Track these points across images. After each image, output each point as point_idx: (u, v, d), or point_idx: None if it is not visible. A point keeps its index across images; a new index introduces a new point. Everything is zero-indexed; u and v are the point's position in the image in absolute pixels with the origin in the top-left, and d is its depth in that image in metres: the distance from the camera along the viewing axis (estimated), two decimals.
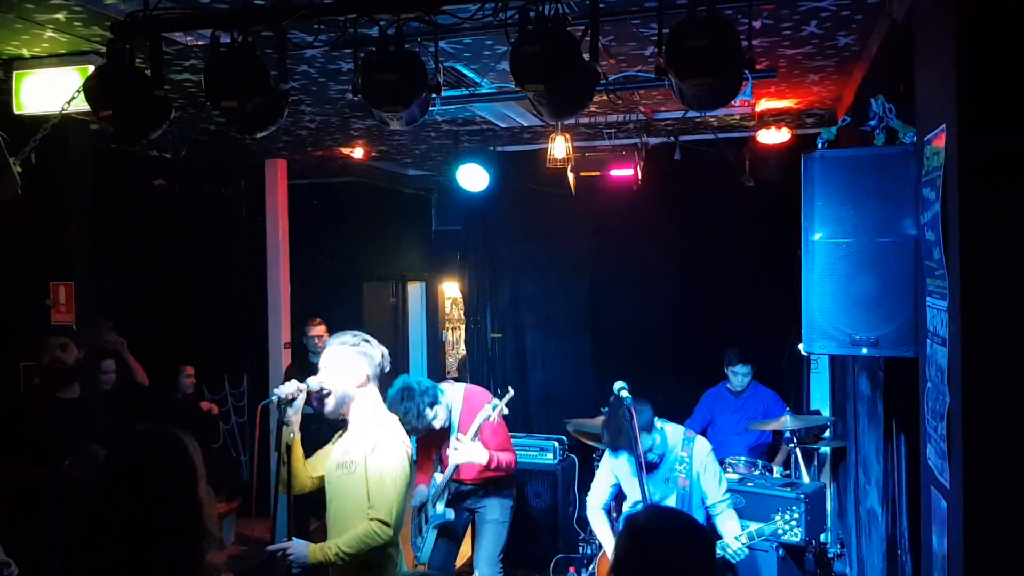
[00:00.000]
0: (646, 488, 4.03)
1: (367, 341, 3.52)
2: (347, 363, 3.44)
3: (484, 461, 4.76)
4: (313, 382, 3.44)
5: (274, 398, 3.32)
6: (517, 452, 5.22)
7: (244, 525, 6.95)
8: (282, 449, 3.37)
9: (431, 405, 4.70)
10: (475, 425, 4.79)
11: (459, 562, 5.50)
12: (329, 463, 3.53)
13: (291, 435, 3.41)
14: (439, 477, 5.01)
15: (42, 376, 4.73)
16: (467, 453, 4.74)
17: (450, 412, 4.90)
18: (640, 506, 4.23)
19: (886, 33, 3.78)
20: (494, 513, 5.08)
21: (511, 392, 4.93)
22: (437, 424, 4.78)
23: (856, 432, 5.38)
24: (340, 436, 3.57)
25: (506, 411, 4.87)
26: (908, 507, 3.80)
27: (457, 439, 4.82)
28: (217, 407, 7.44)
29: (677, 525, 2.06)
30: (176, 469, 2.26)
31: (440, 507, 4.98)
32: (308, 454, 3.67)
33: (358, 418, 3.49)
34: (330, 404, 3.43)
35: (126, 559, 2.14)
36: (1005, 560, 2.30)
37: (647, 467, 4.18)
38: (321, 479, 3.61)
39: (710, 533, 2.09)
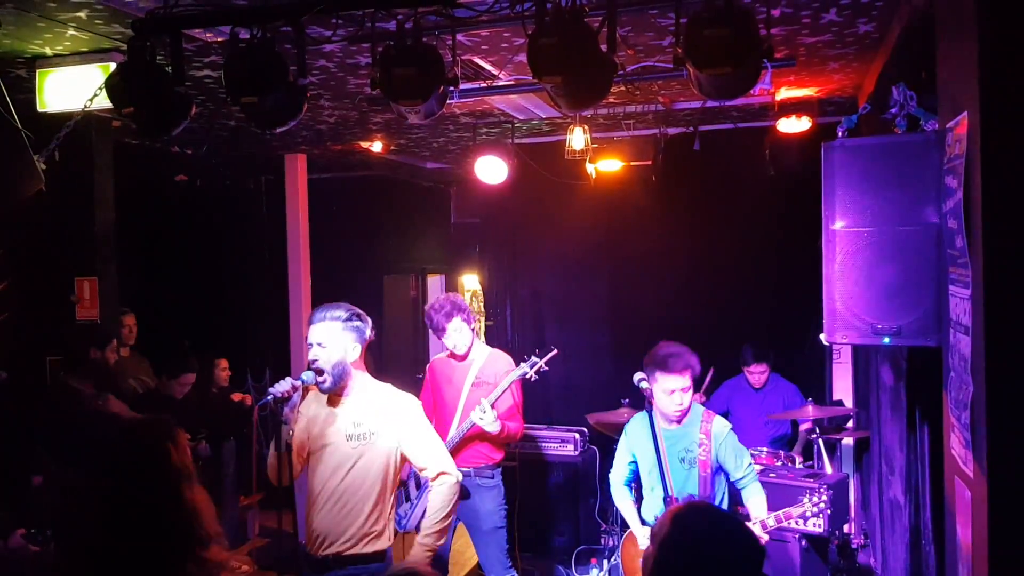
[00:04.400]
0: (666, 469, 4.04)
1: (357, 316, 3.53)
2: (341, 339, 3.46)
3: (495, 431, 4.72)
4: (307, 377, 3.45)
5: (269, 398, 3.34)
6: (538, 444, 5.21)
7: (268, 517, 7.00)
8: (282, 448, 3.38)
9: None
10: (508, 379, 4.74)
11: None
12: (333, 435, 3.52)
13: (290, 433, 3.42)
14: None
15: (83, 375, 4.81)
16: (484, 416, 4.67)
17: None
18: (661, 493, 4.25)
19: (906, 20, 3.74)
20: (490, 521, 4.98)
21: (554, 351, 4.77)
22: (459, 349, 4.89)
23: (879, 422, 5.35)
24: (335, 409, 3.56)
25: (546, 368, 4.77)
26: (932, 497, 3.78)
27: (480, 402, 4.76)
28: (251, 397, 7.46)
29: (729, 531, 2.00)
30: (159, 471, 2.24)
31: None
32: None
33: (359, 390, 3.54)
34: (327, 381, 3.45)
35: (114, 558, 2.14)
36: None
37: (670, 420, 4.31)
38: (307, 458, 3.61)
39: (759, 542, 2.02)
